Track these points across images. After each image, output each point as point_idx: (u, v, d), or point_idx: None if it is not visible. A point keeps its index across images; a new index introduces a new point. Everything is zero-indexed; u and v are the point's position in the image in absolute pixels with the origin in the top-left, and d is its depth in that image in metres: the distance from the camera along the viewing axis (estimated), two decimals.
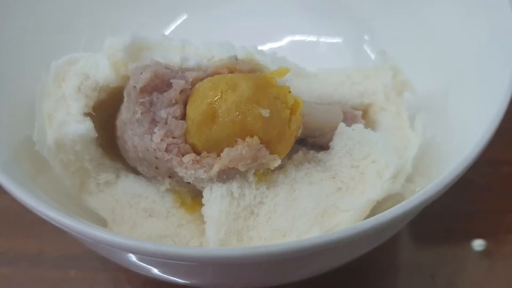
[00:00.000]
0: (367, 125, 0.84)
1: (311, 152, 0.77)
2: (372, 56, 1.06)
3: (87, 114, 0.75)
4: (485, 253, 0.96)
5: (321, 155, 0.76)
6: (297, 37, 1.16)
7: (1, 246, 0.97)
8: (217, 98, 0.66)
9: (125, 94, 0.72)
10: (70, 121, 0.74)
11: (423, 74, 0.93)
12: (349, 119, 0.80)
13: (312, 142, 0.79)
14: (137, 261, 0.67)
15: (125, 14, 1.10)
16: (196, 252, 0.55)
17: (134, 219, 0.78)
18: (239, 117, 0.65)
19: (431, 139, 0.86)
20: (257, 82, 0.67)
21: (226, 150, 0.66)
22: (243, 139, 0.66)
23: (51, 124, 0.75)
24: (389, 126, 0.85)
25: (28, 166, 0.76)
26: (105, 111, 0.78)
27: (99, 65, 0.74)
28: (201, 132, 0.67)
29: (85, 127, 0.73)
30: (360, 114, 0.82)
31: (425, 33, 0.97)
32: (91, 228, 0.57)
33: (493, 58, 0.82)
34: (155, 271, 0.71)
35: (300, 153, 0.75)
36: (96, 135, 0.75)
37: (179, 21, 1.17)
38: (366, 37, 1.10)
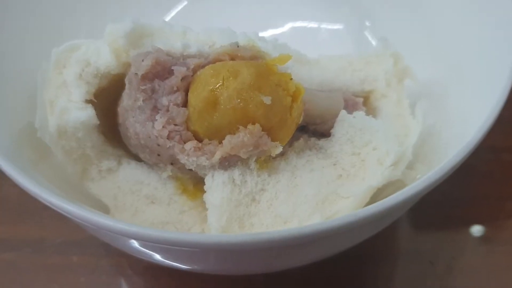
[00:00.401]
0: (368, 112, 0.84)
1: (312, 139, 0.77)
2: (373, 43, 1.06)
3: (88, 101, 0.75)
4: (483, 238, 0.97)
5: (322, 142, 0.76)
6: (298, 24, 1.16)
7: (3, 232, 0.98)
8: (219, 85, 0.66)
9: (126, 81, 0.72)
10: (72, 108, 0.74)
11: (424, 61, 0.93)
12: (350, 106, 0.81)
13: (313, 129, 0.80)
14: (139, 247, 0.68)
15: (125, 1, 1.09)
16: (198, 238, 0.56)
17: (136, 206, 0.78)
18: (241, 104, 0.65)
19: (431, 126, 0.86)
20: (258, 69, 0.67)
21: (228, 137, 0.66)
22: (245, 126, 0.66)
23: (52, 111, 0.75)
24: (390, 113, 0.85)
25: (29, 152, 0.77)
26: (107, 98, 0.78)
27: (100, 52, 0.74)
28: (203, 119, 0.67)
29: (86, 114, 0.74)
30: (361, 101, 0.82)
31: (426, 21, 0.96)
32: (93, 214, 0.58)
33: (494, 47, 0.82)
34: (157, 257, 0.72)
35: (302, 140, 0.76)
36: (98, 122, 0.75)
37: (179, 7, 1.16)
38: (367, 24, 1.10)
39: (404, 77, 0.88)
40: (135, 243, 0.66)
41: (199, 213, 0.77)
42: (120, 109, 0.74)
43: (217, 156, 0.67)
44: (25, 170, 0.68)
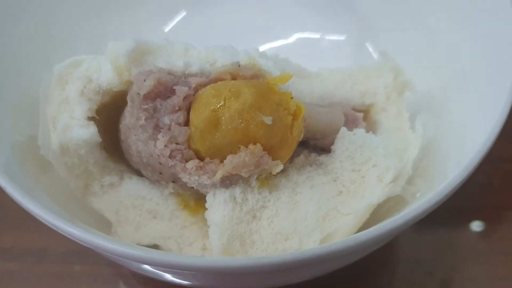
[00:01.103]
0: (368, 126, 0.85)
1: (313, 155, 0.77)
2: (374, 54, 1.06)
3: (90, 118, 0.76)
4: (483, 246, 0.98)
5: (322, 158, 0.77)
6: (300, 34, 1.16)
7: (6, 242, 0.99)
8: (220, 106, 0.66)
9: (128, 99, 0.72)
10: (74, 126, 0.74)
11: (424, 71, 0.94)
12: (350, 122, 0.81)
13: (314, 144, 0.80)
14: (140, 266, 0.69)
15: (125, 11, 1.09)
16: (199, 262, 0.57)
17: (138, 220, 0.79)
18: (242, 124, 0.66)
19: (431, 139, 0.87)
20: (259, 89, 0.67)
21: (229, 157, 0.67)
22: (246, 146, 0.67)
23: (55, 128, 0.76)
24: (390, 127, 0.85)
25: (30, 166, 0.77)
26: (109, 113, 0.79)
27: (102, 69, 0.75)
28: (204, 138, 0.68)
29: (89, 132, 0.74)
30: (361, 116, 0.82)
31: (428, 31, 0.97)
32: (96, 237, 0.58)
33: (495, 59, 0.83)
34: (159, 274, 0.73)
35: (302, 156, 0.76)
36: (100, 140, 0.75)
37: (178, 18, 1.17)
38: (368, 35, 1.10)
39: (404, 90, 0.88)
40: (135, 264, 0.67)
41: (200, 228, 0.78)
42: (122, 127, 0.75)
43: (219, 175, 0.67)
44: (26, 186, 0.69)
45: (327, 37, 1.14)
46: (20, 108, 0.83)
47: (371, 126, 0.86)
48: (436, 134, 0.87)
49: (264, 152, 0.67)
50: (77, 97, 0.75)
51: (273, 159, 0.69)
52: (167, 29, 1.15)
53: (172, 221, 0.78)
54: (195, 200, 0.78)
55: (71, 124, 0.75)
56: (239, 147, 0.67)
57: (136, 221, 0.79)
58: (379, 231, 0.58)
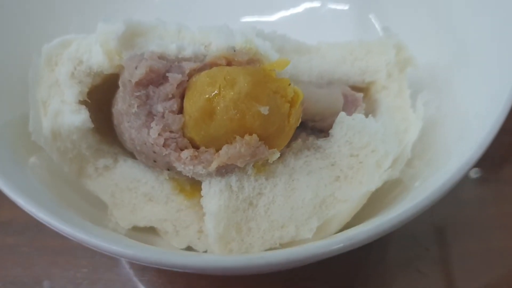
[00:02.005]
0: (368, 105, 0.83)
1: (311, 138, 0.76)
2: (377, 25, 1.01)
3: (82, 102, 0.73)
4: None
5: (320, 142, 0.75)
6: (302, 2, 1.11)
7: (5, 216, 0.99)
8: (215, 95, 0.64)
9: (120, 84, 0.70)
10: (65, 111, 0.72)
11: (429, 47, 0.91)
12: (350, 103, 0.79)
13: (312, 126, 0.79)
14: None
15: None
16: (196, 261, 0.56)
17: (134, 203, 0.78)
18: (238, 115, 0.64)
19: (432, 118, 0.85)
20: (255, 77, 0.65)
21: (224, 148, 0.65)
22: (242, 136, 0.65)
23: (45, 112, 0.74)
24: (390, 106, 0.83)
25: (20, 149, 0.76)
26: (101, 94, 0.76)
27: (92, 50, 0.72)
28: (199, 127, 0.66)
29: (80, 118, 0.72)
30: (361, 97, 0.80)
31: (434, 5, 0.92)
32: (105, 241, 0.58)
33: (502, 36, 0.79)
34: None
35: (300, 140, 0.75)
36: (92, 126, 0.73)
37: None
38: (373, 6, 1.05)
39: (406, 66, 0.85)
40: None
41: (197, 212, 0.77)
42: (114, 111, 0.73)
43: (214, 165, 0.66)
44: (15, 171, 0.68)
45: (330, 6, 1.09)
46: (8, 88, 0.80)
47: (371, 105, 0.84)
48: (438, 113, 0.85)
49: (260, 142, 0.65)
50: (68, 79, 0.73)
51: (270, 148, 0.67)
52: None
53: (168, 205, 0.77)
54: (191, 185, 0.77)
55: (62, 109, 0.72)
56: (235, 137, 0.65)
57: (131, 203, 0.78)
58: (375, 230, 0.58)
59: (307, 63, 0.84)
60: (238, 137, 0.65)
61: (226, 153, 0.65)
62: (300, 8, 1.09)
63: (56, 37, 0.76)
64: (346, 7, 1.08)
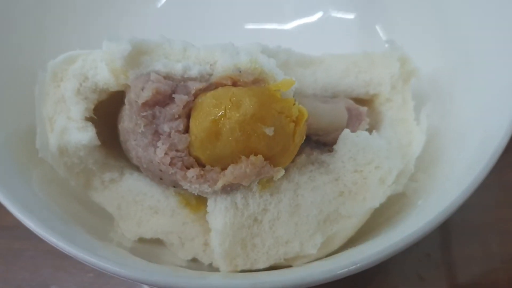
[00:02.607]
0: (372, 117, 0.83)
1: (315, 153, 0.76)
2: (382, 35, 1.00)
3: (88, 119, 0.74)
4: None
5: (324, 157, 0.76)
6: (308, 9, 1.09)
7: (11, 221, 0.98)
8: (221, 116, 0.65)
9: (126, 102, 0.70)
10: (72, 128, 0.73)
11: (432, 55, 0.91)
12: (354, 117, 0.79)
13: (316, 140, 0.79)
14: None
15: None
16: (201, 285, 0.57)
17: (140, 216, 0.79)
18: (243, 136, 0.64)
19: (434, 128, 0.86)
20: (261, 98, 0.65)
21: (230, 168, 0.66)
22: (247, 156, 0.66)
23: (52, 128, 0.74)
24: (394, 119, 0.83)
25: (23, 161, 0.77)
26: (107, 108, 0.77)
27: (98, 67, 0.72)
28: (205, 147, 0.66)
29: (87, 136, 0.72)
30: (365, 111, 0.80)
31: (440, 16, 0.92)
32: (104, 261, 0.59)
33: (506, 48, 0.79)
34: None
35: (304, 156, 0.75)
36: (99, 143, 0.74)
37: None
38: (379, 15, 1.04)
39: (410, 78, 0.85)
40: None
41: (202, 225, 0.78)
42: (121, 128, 0.73)
43: (219, 184, 0.67)
44: (19, 186, 0.69)
45: (336, 15, 1.08)
46: (14, 99, 0.81)
47: (374, 117, 0.84)
48: (441, 124, 0.85)
49: (265, 162, 0.66)
50: (73, 96, 0.73)
51: (275, 166, 0.68)
52: (159, 4, 1.08)
53: (174, 218, 0.78)
54: (196, 199, 0.78)
55: (69, 127, 0.73)
56: (240, 157, 0.66)
57: (137, 216, 0.79)
58: (380, 254, 0.59)
59: (311, 76, 0.84)
60: (243, 157, 0.66)
61: (231, 173, 0.66)
62: (305, 16, 1.08)
63: (60, 50, 0.76)
64: (352, 16, 1.07)
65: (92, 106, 0.74)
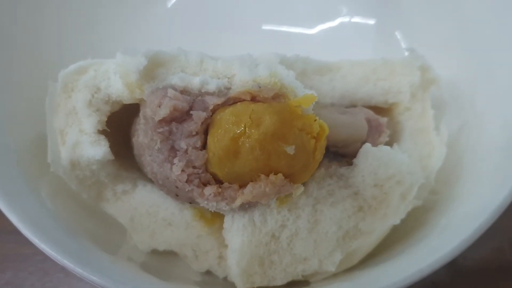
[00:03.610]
0: (391, 126, 0.81)
1: (333, 166, 0.74)
2: (402, 42, 0.97)
3: (101, 132, 0.72)
4: None
5: (343, 170, 0.74)
6: (327, 12, 1.05)
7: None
8: (240, 134, 0.62)
9: (141, 116, 0.68)
10: (84, 142, 0.71)
11: (452, 60, 0.88)
12: (374, 129, 0.77)
13: (334, 151, 0.77)
14: None
15: None
16: None
17: (153, 228, 0.78)
18: (263, 155, 0.62)
19: (455, 135, 0.84)
20: (281, 116, 0.63)
21: (249, 186, 0.64)
22: (267, 174, 0.64)
23: (63, 141, 0.72)
24: (414, 129, 0.81)
25: (32, 169, 0.75)
26: (120, 117, 0.74)
27: (111, 79, 0.69)
28: (223, 165, 0.64)
29: (101, 151, 0.70)
30: (385, 122, 0.78)
31: (461, 22, 0.89)
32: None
33: None
34: None
35: (322, 169, 0.73)
36: (113, 157, 0.72)
37: None
38: (399, 21, 1.00)
39: (429, 86, 0.83)
40: None
41: (217, 238, 0.76)
42: (135, 142, 0.71)
43: (238, 203, 0.65)
44: (28, 200, 0.68)
45: (354, 19, 1.04)
46: (21, 108, 0.79)
47: (393, 126, 0.82)
48: (461, 134, 0.83)
49: (285, 180, 0.64)
50: (85, 108, 0.71)
51: (294, 183, 0.66)
52: (169, 4, 1.03)
53: (188, 230, 0.77)
54: (212, 212, 0.76)
55: (81, 140, 0.71)
56: (259, 175, 0.64)
57: (151, 228, 0.78)
58: (402, 283, 0.57)
59: (328, 84, 0.82)
60: (263, 176, 0.64)
61: (250, 192, 0.64)
62: (323, 19, 1.05)
63: (71, 59, 0.73)
64: (372, 22, 1.03)
65: (105, 119, 0.72)
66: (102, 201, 0.78)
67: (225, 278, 0.77)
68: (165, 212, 0.77)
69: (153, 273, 0.74)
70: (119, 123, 0.75)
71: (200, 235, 0.77)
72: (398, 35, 0.98)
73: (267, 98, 0.65)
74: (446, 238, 0.63)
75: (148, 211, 0.77)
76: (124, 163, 0.77)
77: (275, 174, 0.64)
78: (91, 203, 0.78)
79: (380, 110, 0.83)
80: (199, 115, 0.64)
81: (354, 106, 0.82)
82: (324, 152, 0.68)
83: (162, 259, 0.80)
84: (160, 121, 0.64)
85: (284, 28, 1.00)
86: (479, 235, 0.60)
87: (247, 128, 0.62)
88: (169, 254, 0.80)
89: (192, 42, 0.89)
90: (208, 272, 0.79)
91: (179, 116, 0.65)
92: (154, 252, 0.79)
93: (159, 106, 0.64)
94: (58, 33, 0.88)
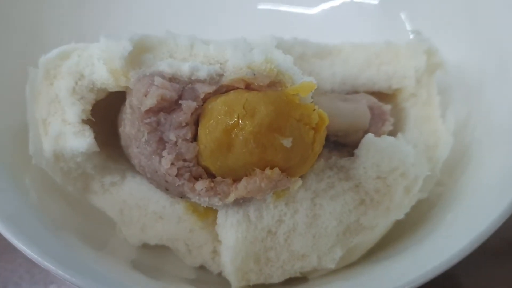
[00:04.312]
0: (394, 113, 0.77)
1: (333, 157, 0.70)
2: (406, 22, 0.91)
3: (85, 121, 0.67)
4: None
5: (344, 161, 0.70)
6: None
7: None
8: (233, 125, 0.58)
9: (127, 105, 0.63)
10: (68, 132, 0.66)
11: (460, 43, 0.83)
12: (377, 117, 0.73)
13: (335, 140, 0.73)
14: None
15: None
16: None
17: (143, 221, 0.74)
18: (258, 148, 0.58)
19: (462, 123, 0.79)
20: (277, 106, 0.58)
21: (243, 181, 0.60)
22: (262, 169, 0.59)
23: (46, 131, 0.67)
24: (419, 117, 0.77)
25: (14, 160, 0.71)
26: (106, 105, 0.70)
27: (95, 65, 0.65)
28: (215, 158, 0.60)
29: (85, 142, 0.65)
30: (389, 110, 0.73)
31: (470, 2, 0.83)
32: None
33: None
34: None
35: (322, 160, 0.69)
36: (98, 149, 0.67)
37: None
38: (404, 3, 0.94)
39: (435, 70, 0.78)
40: None
41: (210, 232, 0.72)
42: (122, 133, 0.67)
43: (231, 198, 0.61)
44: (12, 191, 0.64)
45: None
46: (6, 96, 0.74)
47: (397, 113, 0.78)
48: (468, 121, 0.79)
49: (282, 174, 0.60)
50: (68, 96, 0.66)
51: (291, 176, 0.62)
52: None
53: (180, 224, 0.73)
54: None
55: (64, 131, 0.66)
56: (254, 169, 0.60)
57: (141, 221, 0.74)
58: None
59: (329, 68, 0.77)
60: (258, 170, 0.59)
61: (244, 187, 0.60)
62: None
63: (53, 42, 0.69)
64: (375, 1, 0.97)
65: (90, 107, 0.67)
66: (89, 194, 0.74)
67: (219, 274, 0.73)
68: (156, 205, 0.73)
69: (143, 270, 0.70)
70: (107, 110, 0.71)
71: (193, 229, 0.73)
72: (403, 16, 0.91)
73: (262, 86, 0.60)
74: (453, 237, 0.59)
75: (138, 204, 0.74)
76: (112, 153, 0.73)
77: (271, 168, 0.59)
78: (78, 196, 0.74)
79: (384, 96, 0.78)
80: (188, 105, 0.59)
81: (356, 92, 0.77)
82: (324, 143, 0.64)
83: (153, 254, 0.76)
84: (147, 111, 0.60)
85: (282, 8, 0.94)
86: (491, 233, 0.56)
87: (240, 119, 0.58)
88: (161, 249, 0.76)
89: (182, 23, 0.84)
90: (202, 268, 0.75)
91: (168, 106, 0.60)
92: (145, 246, 0.76)
93: (146, 96, 0.59)
94: (38, 14, 0.83)
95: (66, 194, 0.75)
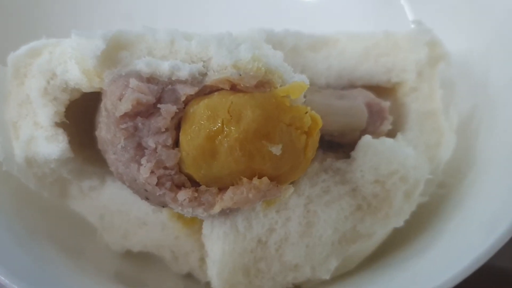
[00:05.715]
0: (394, 109, 0.72)
1: (328, 159, 0.65)
2: (407, 10, 0.84)
3: (59, 124, 0.62)
4: None
5: (340, 163, 0.65)
6: None
7: None
8: (217, 131, 0.53)
9: (102, 108, 0.58)
10: (40, 137, 0.61)
11: (463, 32, 0.77)
12: (375, 115, 0.68)
13: (329, 140, 0.68)
14: None
15: None
16: None
17: (125, 227, 0.70)
18: (244, 157, 0.53)
19: (466, 119, 0.74)
20: (266, 109, 0.53)
21: (229, 191, 0.55)
22: (250, 178, 0.54)
23: (17, 135, 0.62)
24: (420, 112, 0.72)
25: None
26: (82, 104, 0.65)
27: (68, 63, 0.59)
28: (198, 166, 0.55)
29: (58, 148, 0.61)
30: (387, 107, 0.68)
31: None
32: None
33: None
34: None
35: (316, 163, 0.64)
36: (73, 155, 0.62)
37: None
38: None
39: (438, 62, 0.73)
40: None
41: (197, 240, 0.68)
42: (98, 136, 0.61)
43: (216, 209, 0.56)
44: None
45: None
46: None
47: (397, 109, 0.72)
48: (473, 116, 0.74)
49: (271, 183, 0.55)
50: (40, 97, 0.61)
51: (282, 184, 0.57)
52: None
53: (165, 231, 0.69)
54: None
55: (36, 135, 0.61)
56: (241, 178, 0.55)
57: (123, 227, 0.70)
58: None
59: (324, 62, 0.71)
60: (245, 180, 0.54)
61: (231, 198, 0.55)
62: None
63: (22, 38, 0.63)
64: None
65: (63, 109, 0.62)
66: (67, 199, 0.70)
67: (208, 284, 0.69)
68: (139, 211, 0.68)
69: (125, 281, 0.66)
70: (84, 108, 0.66)
71: (178, 236, 0.69)
72: (403, 4, 0.85)
73: (249, 87, 0.55)
74: (456, 253, 0.54)
75: (120, 209, 0.69)
76: (89, 156, 0.68)
77: (260, 177, 0.54)
78: (55, 202, 0.69)
79: (383, 90, 0.73)
80: (168, 110, 0.54)
81: (353, 86, 0.72)
82: (317, 147, 0.59)
83: (135, 263, 0.72)
84: (122, 116, 0.54)
85: None
86: (501, 245, 0.51)
87: (225, 125, 0.53)
88: (144, 256, 0.72)
89: (163, 15, 0.77)
90: (190, 277, 0.71)
91: (145, 110, 0.55)
92: (128, 255, 0.71)
93: (120, 99, 0.54)
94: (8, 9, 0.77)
95: (43, 198, 0.70)
